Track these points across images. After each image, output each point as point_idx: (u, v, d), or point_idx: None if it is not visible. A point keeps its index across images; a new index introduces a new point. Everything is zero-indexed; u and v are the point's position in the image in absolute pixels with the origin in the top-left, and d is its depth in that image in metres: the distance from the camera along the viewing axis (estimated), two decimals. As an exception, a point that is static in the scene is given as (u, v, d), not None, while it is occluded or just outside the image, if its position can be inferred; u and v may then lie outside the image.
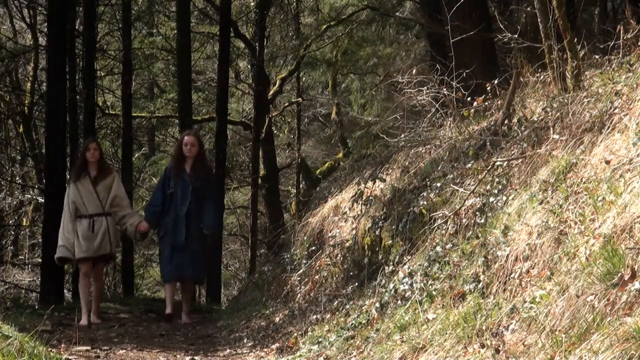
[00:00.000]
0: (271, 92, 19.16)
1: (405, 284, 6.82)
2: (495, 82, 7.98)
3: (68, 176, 10.18)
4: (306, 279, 9.91)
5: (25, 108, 20.42)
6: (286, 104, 21.48)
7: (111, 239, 9.43)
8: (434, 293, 6.26)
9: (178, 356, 7.70)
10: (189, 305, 9.98)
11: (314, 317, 8.34)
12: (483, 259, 5.92)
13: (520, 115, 7.67)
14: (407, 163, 9.28)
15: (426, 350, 5.26)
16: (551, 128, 6.76)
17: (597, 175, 5.47)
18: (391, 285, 7.10)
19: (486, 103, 8.55)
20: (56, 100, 13.55)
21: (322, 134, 24.11)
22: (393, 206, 8.50)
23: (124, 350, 7.90)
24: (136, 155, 21.04)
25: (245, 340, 8.84)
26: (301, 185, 20.78)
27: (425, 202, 7.78)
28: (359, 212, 9.25)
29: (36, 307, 12.16)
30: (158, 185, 9.85)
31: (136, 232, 9.60)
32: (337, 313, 7.94)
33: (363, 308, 7.41)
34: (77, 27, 15.71)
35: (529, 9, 9.23)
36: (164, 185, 9.58)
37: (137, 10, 18.81)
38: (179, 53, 16.09)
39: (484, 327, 5.00)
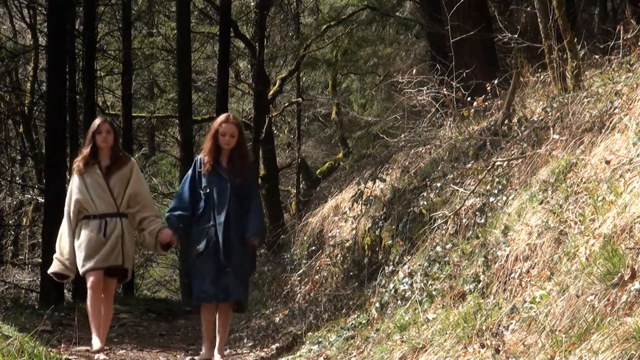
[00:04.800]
0: (271, 92, 19.17)
1: (405, 284, 6.83)
2: (495, 82, 7.98)
3: (72, 169, 7.52)
4: (306, 279, 9.91)
5: (25, 108, 20.44)
6: (286, 104, 21.50)
7: (125, 249, 7.11)
8: (434, 293, 6.26)
9: (178, 356, 7.70)
10: (225, 335, 7.34)
11: (314, 317, 8.35)
12: (483, 259, 5.92)
13: (520, 115, 7.67)
14: (407, 163, 9.28)
15: (426, 350, 5.27)
16: (551, 128, 6.76)
17: (597, 175, 5.47)
18: (391, 285, 7.10)
19: (486, 103, 8.55)
20: (56, 100, 13.57)
21: (322, 134, 24.11)
22: (393, 206, 8.50)
23: (124, 350, 7.90)
24: (136, 155, 21.05)
25: (245, 340, 8.85)
26: (301, 185, 20.78)
27: (425, 202, 7.79)
28: (359, 212, 9.25)
29: (36, 307, 12.17)
30: (185, 183, 7.29)
31: (156, 243, 7.21)
32: (337, 313, 7.94)
33: (363, 308, 7.42)
34: (77, 27, 15.72)
35: (529, 9, 9.23)
36: (193, 183, 7.22)
37: (137, 10, 18.84)
38: (179, 53, 16.10)
39: (484, 327, 5.00)
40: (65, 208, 7.26)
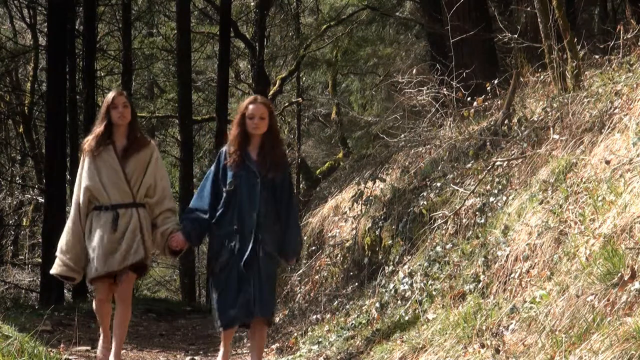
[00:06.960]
0: (271, 92, 19.17)
1: (405, 284, 6.83)
2: (495, 82, 7.99)
3: (81, 150, 6.28)
4: (306, 279, 9.91)
5: (25, 108, 20.45)
6: (286, 104, 21.51)
7: (145, 240, 6.04)
8: (434, 293, 6.27)
9: (178, 356, 7.70)
10: (261, 354, 6.28)
11: (314, 317, 8.35)
12: (483, 259, 5.92)
13: (520, 115, 7.68)
14: (407, 163, 9.28)
15: (426, 350, 5.27)
16: (551, 128, 6.76)
17: (597, 175, 5.47)
18: (391, 285, 7.10)
19: (486, 103, 8.56)
20: (56, 100, 13.57)
21: (322, 134, 24.12)
22: (393, 206, 8.50)
23: (124, 350, 7.89)
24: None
25: (245, 340, 8.84)
26: (301, 185, 20.78)
27: (425, 202, 7.79)
28: (359, 212, 9.25)
29: (36, 307, 12.16)
30: (207, 180, 6.08)
31: (165, 247, 6.13)
32: (337, 313, 7.94)
33: (363, 308, 7.42)
34: (77, 27, 15.73)
35: (529, 9, 9.23)
36: (216, 179, 6.02)
37: (137, 10, 18.85)
38: (179, 53, 16.13)
39: (484, 327, 5.00)
40: (74, 197, 6.18)
